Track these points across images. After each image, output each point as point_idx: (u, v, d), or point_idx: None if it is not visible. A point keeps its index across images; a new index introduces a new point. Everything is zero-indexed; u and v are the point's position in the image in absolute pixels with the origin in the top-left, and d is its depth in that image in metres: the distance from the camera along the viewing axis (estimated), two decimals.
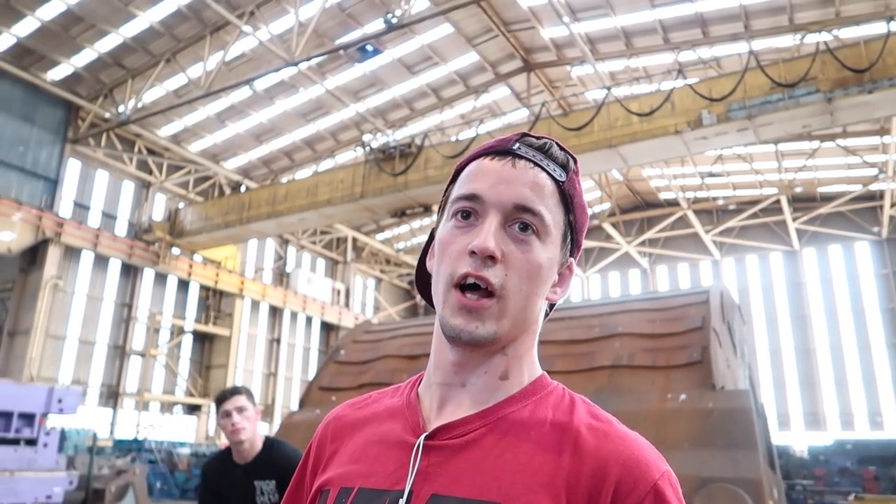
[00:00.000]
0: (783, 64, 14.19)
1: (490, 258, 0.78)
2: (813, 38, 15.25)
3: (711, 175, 25.44)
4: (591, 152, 15.79)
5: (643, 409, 4.34)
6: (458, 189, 0.85)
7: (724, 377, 4.55)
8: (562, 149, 0.88)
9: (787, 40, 17.12)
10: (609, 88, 16.05)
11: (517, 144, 0.85)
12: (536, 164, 0.84)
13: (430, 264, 0.89)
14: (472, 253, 0.79)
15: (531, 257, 0.80)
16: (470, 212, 0.83)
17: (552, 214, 0.83)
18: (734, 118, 14.22)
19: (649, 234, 29.02)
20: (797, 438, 23.56)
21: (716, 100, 14.26)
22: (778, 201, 25.51)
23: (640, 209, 29.69)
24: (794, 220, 26.37)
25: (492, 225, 0.80)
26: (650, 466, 0.75)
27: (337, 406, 1.00)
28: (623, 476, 0.73)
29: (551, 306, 0.92)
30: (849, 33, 16.08)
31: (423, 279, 0.93)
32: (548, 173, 0.84)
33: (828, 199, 26.15)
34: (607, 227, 27.51)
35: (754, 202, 26.68)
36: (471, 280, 0.79)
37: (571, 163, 0.88)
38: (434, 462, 0.79)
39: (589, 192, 28.12)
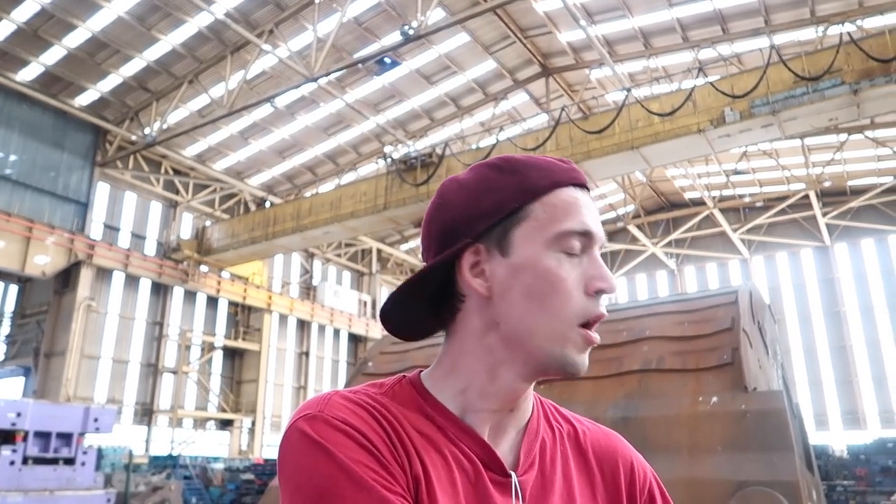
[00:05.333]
0: (806, 57, 13.99)
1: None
2: (836, 30, 15.01)
3: (737, 173, 25.12)
4: (613, 155, 15.70)
5: (675, 413, 4.29)
6: (568, 222, 0.81)
7: (756, 378, 4.47)
8: None
9: (810, 33, 16.86)
10: (629, 90, 15.95)
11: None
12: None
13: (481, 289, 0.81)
14: (598, 292, 0.80)
15: None
16: (580, 247, 0.83)
17: None
18: (758, 114, 14.04)
19: (675, 235, 28.71)
20: (836, 438, 23.05)
21: (738, 96, 14.10)
22: (806, 196, 25.09)
23: (665, 210, 29.40)
24: (825, 215, 25.91)
25: (602, 262, 0.83)
26: (639, 454, 0.94)
27: (341, 399, 0.78)
28: (638, 467, 0.91)
29: None
30: (873, 23, 15.79)
31: (404, 310, 0.85)
32: None
33: (858, 192, 25.65)
34: (632, 228, 27.27)
35: (782, 198, 26.27)
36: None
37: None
38: (528, 497, 0.81)
39: (612, 194, 27.93)
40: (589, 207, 0.84)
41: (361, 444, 0.72)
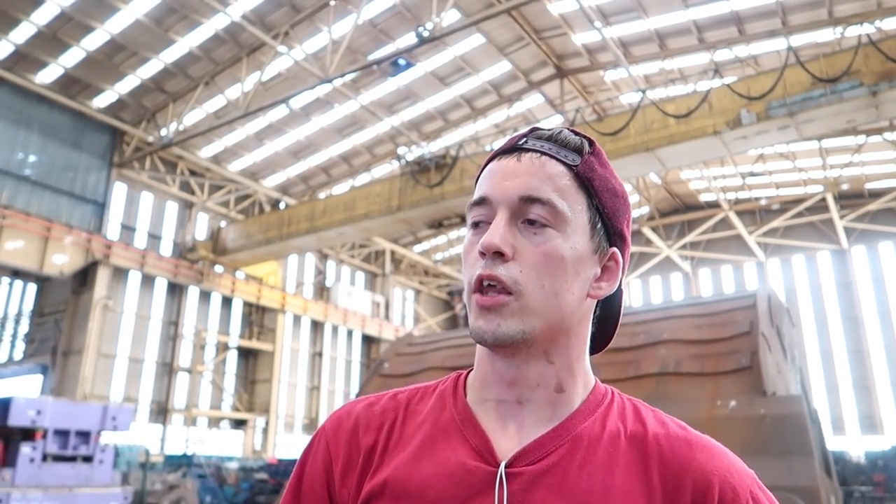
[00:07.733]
0: (824, 59, 13.86)
1: (499, 255, 0.75)
2: (854, 31, 14.86)
3: (753, 175, 24.92)
4: (628, 156, 15.64)
5: (692, 416, 4.26)
6: (473, 197, 0.83)
7: (774, 382, 4.44)
8: (577, 134, 0.83)
9: (827, 34, 16.71)
10: (644, 91, 15.89)
11: (525, 139, 0.82)
12: (544, 154, 0.80)
13: None
14: (483, 254, 0.76)
15: (548, 248, 0.76)
16: (484, 218, 0.80)
17: (568, 201, 0.78)
18: (774, 116, 13.92)
19: (690, 237, 28.53)
20: (853, 443, 22.81)
21: (755, 98, 13.99)
22: (824, 199, 24.85)
23: (679, 212, 29.22)
24: (842, 217, 25.64)
25: (500, 222, 0.77)
26: (742, 472, 0.77)
27: (355, 403, 0.90)
28: (723, 486, 0.74)
29: (613, 310, 0.90)
30: (892, 24, 15.63)
31: None
32: (558, 160, 0.80)
33: (876, 195, 25.36)
34: (647, 231, 27.14)
35: (799, 201, 26.03)
36: (485, 282, 0.76)
37: (587, 146, 0.82)
38: (516, 490, 0.74)
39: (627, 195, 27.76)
40: (495, 173, 0.81)
41: (323, 459, 0.85)
